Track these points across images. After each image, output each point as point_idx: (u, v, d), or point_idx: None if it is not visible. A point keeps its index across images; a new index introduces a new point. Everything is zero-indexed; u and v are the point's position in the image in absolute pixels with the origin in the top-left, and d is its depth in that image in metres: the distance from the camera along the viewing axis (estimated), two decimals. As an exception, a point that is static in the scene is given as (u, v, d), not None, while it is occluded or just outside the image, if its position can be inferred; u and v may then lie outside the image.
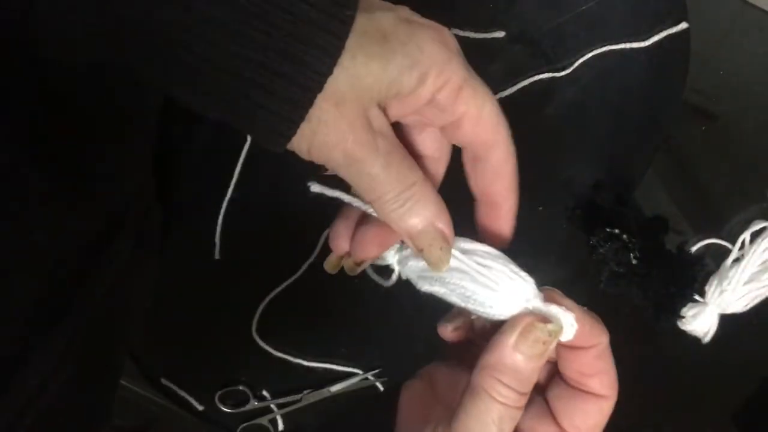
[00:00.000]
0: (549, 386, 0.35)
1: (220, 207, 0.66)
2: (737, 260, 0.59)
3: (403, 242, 0.35)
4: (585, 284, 0.64)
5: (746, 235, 0.60)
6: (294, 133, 0.29)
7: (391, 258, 0.36)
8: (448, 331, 0.37)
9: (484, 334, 0.36)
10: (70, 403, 0.44)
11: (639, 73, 0.65)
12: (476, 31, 0.64)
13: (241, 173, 0.66)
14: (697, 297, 0.60)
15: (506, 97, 0.64)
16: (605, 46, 0.64)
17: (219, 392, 0.68)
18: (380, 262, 0.36)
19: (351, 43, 0.28)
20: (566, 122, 0.65)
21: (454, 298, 0.33)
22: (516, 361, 0.30)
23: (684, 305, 0.60)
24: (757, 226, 0.60)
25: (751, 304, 0.59)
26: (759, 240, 0.58)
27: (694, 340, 0.60)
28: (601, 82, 0.65)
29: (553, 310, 0.32)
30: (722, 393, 0.65)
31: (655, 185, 0.66)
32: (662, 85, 0.66)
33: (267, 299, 0.67)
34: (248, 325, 0.67)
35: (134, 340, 0.67)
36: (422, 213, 0.31)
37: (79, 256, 0.43)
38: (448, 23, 0.65)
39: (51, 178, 0.39)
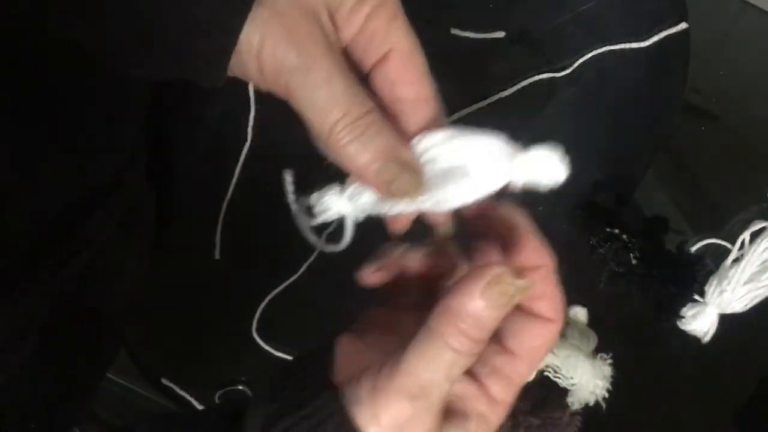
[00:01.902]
0: None
1: (221, 207, 0.66)
2: (737, 260, 0.59)
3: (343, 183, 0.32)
4: (585, 284, 0.64)
5: (746, 235, 0.60)
6: (247, 12, 0.27)
7: (339, 202, 0.32)
8: (369, 274, 0.35)
9: (411, 273, 0.35)
10: (36, 382, 0.43)
11: (639, 74, 0.65)
12: (476, 31, 0.64)
13: (241, 174, 0.66)
14: (696, 297, 0.60)
15: (506, 97, 0.64)
16: (605, 46, 0.64)
17: (219, 392, 0.68)
18: (328, 216, 0.33)
19: None
20: (566, 122, 0.65)
21: (427, 205, 0.31)
22: (478, 309, 0.29)
23: (684, 305, 0.60)
24: (756, 226, 0.60)
25: (751, 304, 0.59)
26: (759, 240, 0.59)
27: (694, 340, 0.60)
28: (601, 82, 0.65)
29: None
30: (722, 393, 0.65)
31: (655, 185, 0.66)
32: (662, 86, 0.66)
33: (267, 299, 0.67)
34: (248, 325, 0.67)
35: (125, 335, 0.67)
36: (382, 142, 0.29)
37: (47, 237, 0.42)
38: (448, 23, 0.65)
39: (16, 150, 0.38)
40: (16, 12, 0.29)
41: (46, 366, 0.43)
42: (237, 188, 0.66)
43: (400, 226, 0.34)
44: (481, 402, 0.31)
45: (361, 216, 0.33)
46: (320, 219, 0.33)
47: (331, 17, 0.30)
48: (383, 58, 0.31)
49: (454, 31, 0.63)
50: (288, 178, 0.32)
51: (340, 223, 0.33)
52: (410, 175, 0.30)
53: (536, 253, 0.32)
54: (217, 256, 0.67)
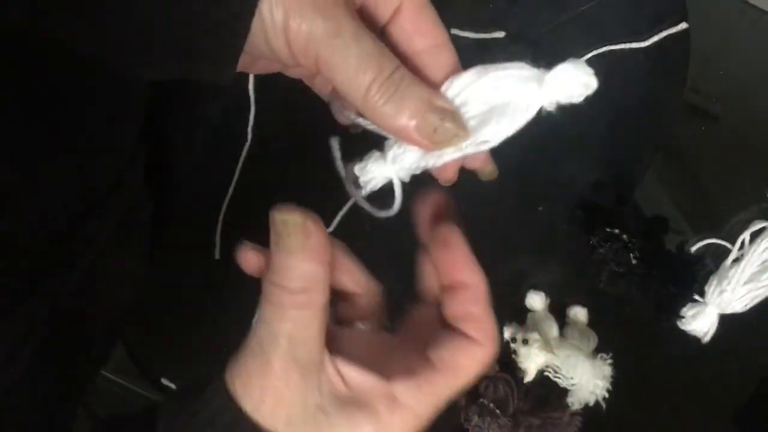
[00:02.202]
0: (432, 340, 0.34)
1: (220, 207, 0.66)
2: (737, 260, 0.59)
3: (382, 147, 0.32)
4: (585, 284, 0.64)
5: (746, 235, 0.60)
6: (254, 6, 0.27)
7: (383, 167, 0.32)
8: (246, 251, 0.35)
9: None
10: (36, 383, 0.43)
11: (639, 74, 0.65)
12: (476, 31, 0.64)
13: (241, 173, 0.66)
14: (696, 297, 0.60)
15: (506, 97, 0.64)
16: (605, 46, 0.64)
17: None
18: (375, 184, 0.32)
19: None
20: (566, 122, 0.65)
21: (470, 148, 0.31)
22: (276, 258, 0.30)
23: (684, 305, 0.60)
24: (756, 226, 0.60)
25: (751, 304, 0.59)
26: (759, 240, 0.58)
27: (694, 340, 0.60)
28: (601, 82, 0.65)
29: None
30: (722, 393, 0.65)
31: (655, 185, 0.66)
32: (662, 86, 0.66)
33: (267, 299, 0.67)
34: (248, 325, 0.67)
35: (125, 335, 0.67)
36: (417, 95, 0.29)
37: (48, 239, 0.42)
38: (449, 23, 0.65)
39: (16, 150, 0.38)
40: (15, 19, 0.29)
41: (45, 366, 0.43)
42: (237, 188, 0.66)
43: (448, 177, 0.34)
44: (380, 400, 0.30)
45: (408, 176, 0.32)
46: (368, 189, 0.32)
47: None
48: (396, 13, 0.31)
49: (454, 31, 0.63)
50: (335, 144, 0.32)
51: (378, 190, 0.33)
52: (451, 120, 0.30)
53: (464, 272, 0.32)
54: (217, 256, 0.67)
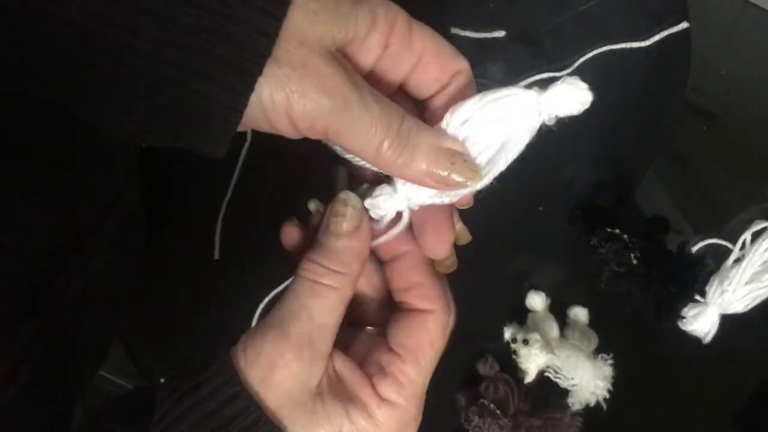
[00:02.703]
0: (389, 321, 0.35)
1: (220, 207, 0.66)
2: (738, 260, 0.59)
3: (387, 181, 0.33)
4: (586, 284, 0.64)
5: (747, 235, 0.59)
6: (258, 72, 0.26)
7: (394, 202, 0.32)
8: (290, 227, 0.36)
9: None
10: (31, 398, 0.43)
11: (639, 73, 0.65)
12: (477, 30, 0.64)
13: (241, 173, 0.66)
14: (697, 297, 0.60)
15: (506, 96, 0.64)
16: (606, 45, 0.64)
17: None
18: (387, 217, 0.33)
19: None
20: (566, 122, 0.65)
21: (482, 184, 0.32)
22: (322, 238, 0.32)
23: (685, 305, 0.60)
24: (758, 226, 0.59)
25: (752, 305, 0.59)
26: (760, 240, 0.58)
27: (695, 341, 0.60)
28: (602, 81, 0.65)
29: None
30: (723, 393, 0.65)
31: (655, 185, 0.66)
32: (662, 85, 0.65)
33: (267, 299, 0.67)
34: (248, 325, 0.67)
35: (125, 335, 0.67)
36: (426, 141, 0.30)
37: (48, 258, 0.42)
38: (449, 23, 0.65)
39: (17, 183, 0.38)
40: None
41: (42, 379, 0.43)
42: (237, 188, 0.66)
43: (464, 203, 0.35)
44: (368, 395, 0.32)
45: (418, 207, 0.33)
46: (384, 223, 0.33)
47: (343, 50, 0.30)
48: (416, 66, 0.32)
49: (455, 31, 0.63)
50: (342, 171, 0.34)
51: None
52: (460, 161, 0.30)
53: (398, 242, 0.33)
54: (216, 256, 0.67)
